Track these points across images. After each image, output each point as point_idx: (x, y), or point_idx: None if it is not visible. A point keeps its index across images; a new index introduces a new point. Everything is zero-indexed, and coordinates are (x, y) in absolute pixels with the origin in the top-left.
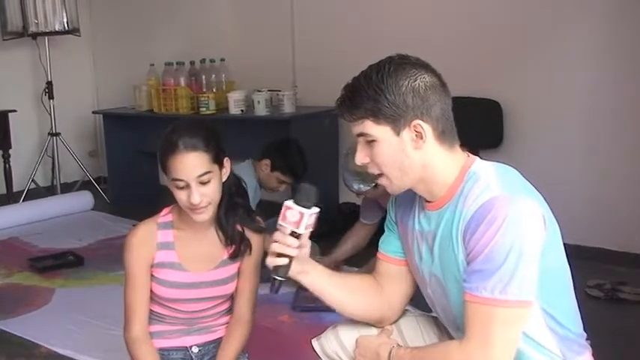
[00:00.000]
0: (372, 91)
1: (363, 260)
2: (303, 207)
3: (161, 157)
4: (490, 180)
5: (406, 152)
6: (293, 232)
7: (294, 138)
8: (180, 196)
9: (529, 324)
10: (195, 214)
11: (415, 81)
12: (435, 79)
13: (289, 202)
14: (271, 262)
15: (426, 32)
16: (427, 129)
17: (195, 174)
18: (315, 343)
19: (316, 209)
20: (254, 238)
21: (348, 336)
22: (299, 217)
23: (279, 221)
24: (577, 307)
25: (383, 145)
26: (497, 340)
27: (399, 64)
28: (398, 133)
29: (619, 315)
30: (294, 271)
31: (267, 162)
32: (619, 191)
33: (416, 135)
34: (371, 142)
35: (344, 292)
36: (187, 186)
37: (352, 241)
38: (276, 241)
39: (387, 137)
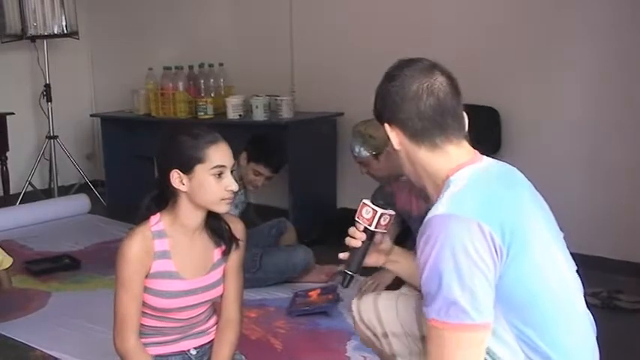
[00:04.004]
0: (376, 92)
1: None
2: (378, 206)
3: (197, 149)
4: (448, 195)
5: (394, 148)
6: (366, 228)
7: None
8: (216, 187)
9: (503, 353)
10: (223, 204)
11: (394, 85)
12: (420, 82)
13: (366, 200)
14: (342, 255)
15: (424, 40)
16: (396, 131)
17: (231, 162)
18: (354, 303)
19: (391, 211)
20: (237, 227)
21: (386, 310)
22: (372, 215)
23: (355, 217)
24: (576, 338)
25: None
26: None
27: (394, 67)
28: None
29: (616, 323)
30: (369, 262)
31: (244, 154)
32: (618, 199)
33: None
34: None
35: None
36: (222, 175)
37: None
38: (349, 235)
39: (387, 134)
